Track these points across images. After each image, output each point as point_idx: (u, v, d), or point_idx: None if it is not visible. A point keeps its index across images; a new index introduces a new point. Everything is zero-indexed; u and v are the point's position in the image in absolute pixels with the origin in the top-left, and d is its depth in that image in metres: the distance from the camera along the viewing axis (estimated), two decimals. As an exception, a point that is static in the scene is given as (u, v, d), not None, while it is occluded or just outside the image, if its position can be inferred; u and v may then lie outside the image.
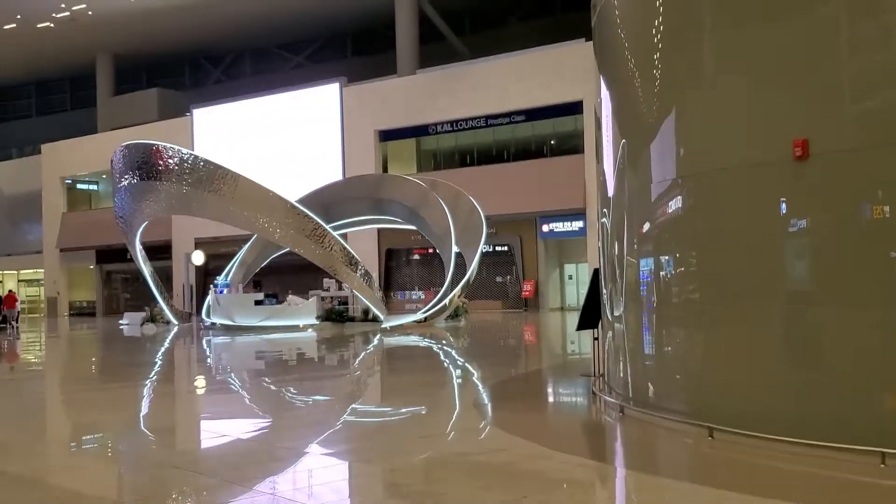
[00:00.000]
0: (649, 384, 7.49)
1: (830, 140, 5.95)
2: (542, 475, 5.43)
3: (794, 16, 6.27)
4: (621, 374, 8.01)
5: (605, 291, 8.65)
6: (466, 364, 13.93)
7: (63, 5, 44.65)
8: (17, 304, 37.21)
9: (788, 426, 5.91)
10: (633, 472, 5.65)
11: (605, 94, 8.30)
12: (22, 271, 54.58)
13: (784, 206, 6.24)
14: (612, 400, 7.83)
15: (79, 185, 50.91)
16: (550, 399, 10.10)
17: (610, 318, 8.38)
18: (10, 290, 43.45)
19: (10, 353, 20.98)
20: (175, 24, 48.18)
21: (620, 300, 7.95)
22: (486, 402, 9.10)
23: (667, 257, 7.31)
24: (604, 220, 8.47)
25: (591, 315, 9.86)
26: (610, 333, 8.49)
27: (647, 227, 7.51)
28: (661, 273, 7.31)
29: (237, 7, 45.89)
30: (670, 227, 7.24)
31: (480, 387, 10.47)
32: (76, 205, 50.84)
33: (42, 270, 51.08)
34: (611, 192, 8.09)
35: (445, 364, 14.45)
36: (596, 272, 9.61)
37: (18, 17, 46.41)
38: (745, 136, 6.55)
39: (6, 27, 47.94)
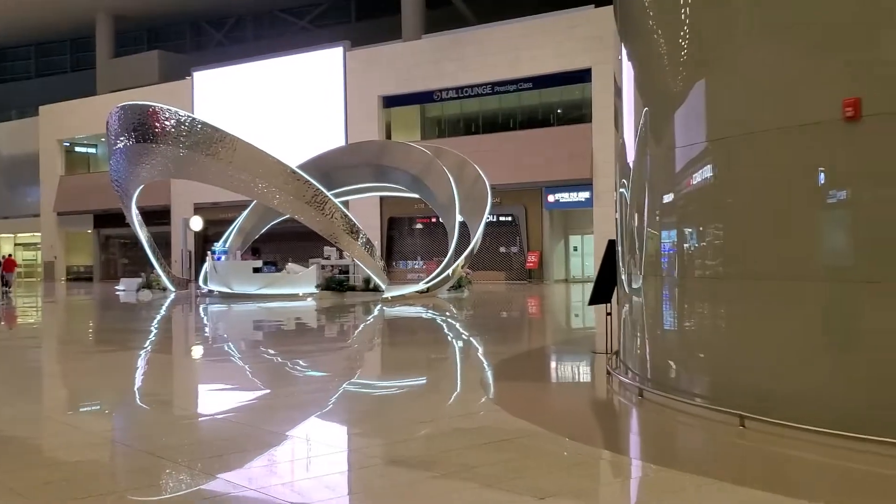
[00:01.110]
0: (671, 364, 6.91)
1: (886, 100, 5.31)
2: (552, 467, 4.87)
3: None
4: (638, 352, 7.44)
5: (621, 264, 8.06)
6: (470, 338, 13.34)
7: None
8: (15, 268, 36.86)
9: (832, 416, 5.34)
10: (654, 465, 5.06)
11: (625, 59, 7.68)
12: (19, 234, 54.02)
13: (827, 172, 5.62)
14: (629, 381, 7.25)
15: (77, 148, 50.17)
16: (561, 378, 9.51)
17: (627, 291, 7.80)
18: (8, 255, 43.05)
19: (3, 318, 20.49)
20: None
21: (639, 273, 7.37)
22: (491, 380, 8.50)
23: (691, 229, 6.73)
24: (622, 190, 7.89)
25: (604, 288, 9.30)
26: (626, 308, 7.91)
27: (670, 196, 6.93)
28: (685, 245, 6.73)
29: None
30: (696, 197, 6.63)
31: (485, 363, 9.85)
32: (74, 168, 50.16)
33: (39, 234, 50.55)
34: (631, 162, 7.50)
35: (448, 337, 13.89)
36: (611, 244, 9.01)
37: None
38: (785, 96, 5.90)
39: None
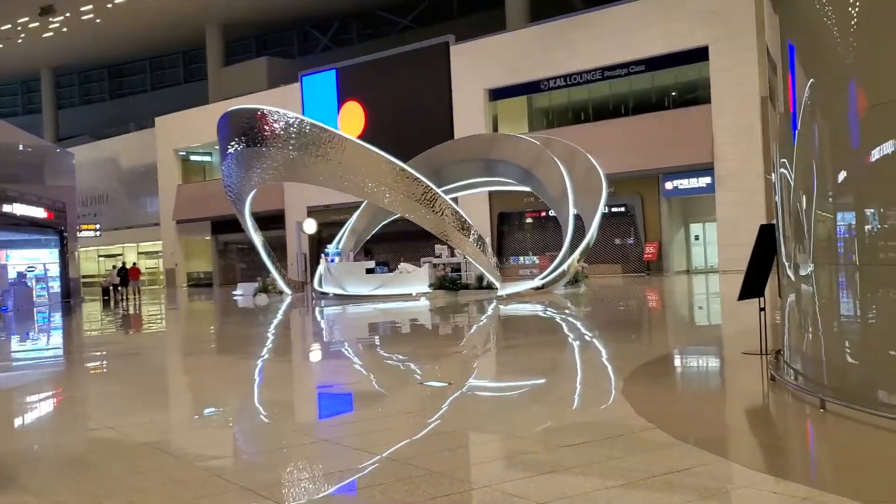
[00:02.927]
0: (857, 368, 5.88)
1: None
2: None
3: None
4: (811, 353, 6.42)
5: (784, 252, 7.04)
6: (595, 338, 12.39)
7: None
8: (139, 276, 38.23)
9: None
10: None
11: (783, 32, 6.73)
12: (141, 244, 56.05)
13: None
14: (803, 388, 6.22)
15: (192, 157, 51.59)
16: (713, 385, 8.30)
17: (793, 281, 6.78)
18: (133, 263, 44.71)
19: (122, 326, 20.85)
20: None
21: (809, 261, 6.36)
22: (633, 389, 7.49)
23: (872, 209, 5.71)
24: (783, 170, 6.90)
25: (756, 281, 8.27)
26: (791, 301, 6.89)
27: (843, 174, 5.94)
28: (866, 227, 5.72)
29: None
30: (878, 172, 5.60)
31: (619, 369, 8.81)
32: (191, 176, 51.61)
33: (160, 242, 52.23)
34: (794, 140, 6.51)
35: (571, 337, 12.98)
36: (764, 230, 7.97)
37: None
38: None
39: (118, 1, 48.68)
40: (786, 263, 7.05)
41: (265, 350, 13.23)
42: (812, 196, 6.25)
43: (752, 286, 8.32)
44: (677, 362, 9.55)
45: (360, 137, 22.21)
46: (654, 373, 8.42)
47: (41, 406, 8.54)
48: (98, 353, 14.34)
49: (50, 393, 9.42)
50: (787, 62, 6.78)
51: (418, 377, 9.02)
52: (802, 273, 6.53)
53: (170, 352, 14.40)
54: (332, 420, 7.12)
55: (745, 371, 7.99)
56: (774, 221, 7.61)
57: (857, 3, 5.74)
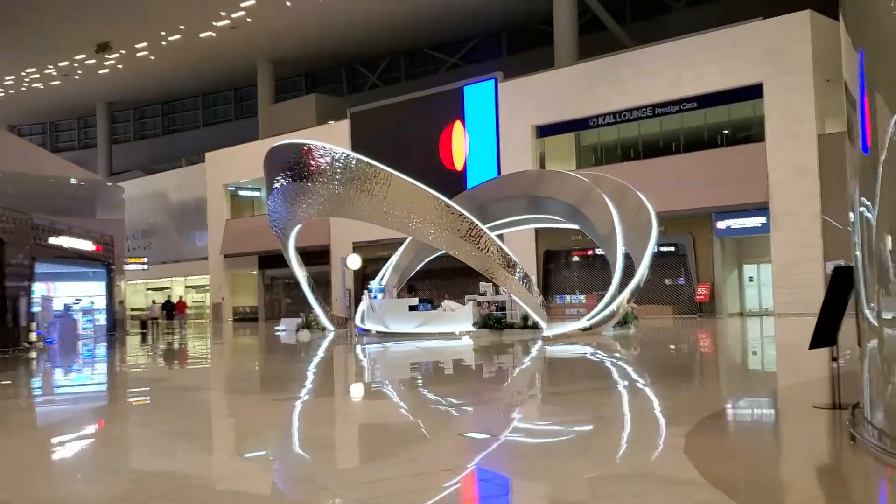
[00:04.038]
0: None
1: None
2: None
3: None
4: (895, 411, 5.73)
5: (864, 296, 6.39)
6: (648, 387, 11.64)
7: (223, 13, 45.56)
8: (186, 310, 38.36)
9: None
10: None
11: (861, 67, 6.23)
12: (189, 277, 56.45)
13: None
14: (892, 453, 5.52)
15: (241, 192, 51.99)
16: (788, 447, 7.15)
17: (876, 328, 6.13)
18: (180, 297, 44.96)
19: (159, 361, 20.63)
20: (331, 29, 48.29)
21: (895, 306, 5.73)
22: (695, 452, 6.76)
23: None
24: (861, 209, 6.31)
25: (828, 328, 7.59)
26: (872, 350, 6.23)
27: None
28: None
29: (392, 8, 45.31)
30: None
31: (677, 425, 8.07)
32: (239, 211, 51.96)
33: (207, 276, 52.52)
34: (878, 178, 5.97)
35: (622, 385, 12.23)
36: (839, 273, 7.31)
37: (182, 27, 47.86)
38: None
39: (171, 38, 49.61)
40: (865, 309, 6.39)
41: (290, 392, 12.77)
42: (898, 236, 5.66)
43: (825, 333, 7.65)
44: (740, 417, 8.83)
45: (406, 173, 21.83)
46: (716, 428, 7.73)
47: (60, 445, 8.15)
48: (125, 390, 14.03)
49: (73, 434, 9.05)
50: (866, 98, 6.28)
51: (457, 428, 8.44)
52: (887, 318, 5.87)
53: (196, 391, 14.01)
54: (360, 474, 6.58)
55: (819, 428, 7.27)
56: (851, 263, 6.97)
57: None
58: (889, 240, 5.83)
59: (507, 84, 38.05)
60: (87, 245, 31.36)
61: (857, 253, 6.51)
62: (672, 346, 20.01)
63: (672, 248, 32.76)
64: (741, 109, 32.16)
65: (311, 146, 22.15)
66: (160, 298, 45.78)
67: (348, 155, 22.05)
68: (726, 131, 33.29)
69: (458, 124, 39.34)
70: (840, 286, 7.35)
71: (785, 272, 29.54)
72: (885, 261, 5.90)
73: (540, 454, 6.88)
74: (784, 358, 15.96)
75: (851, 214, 6.72)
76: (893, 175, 5.83)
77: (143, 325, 34.10)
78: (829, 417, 7.38)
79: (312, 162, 21.84)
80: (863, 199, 6.36)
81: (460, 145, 39.22)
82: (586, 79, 35.20)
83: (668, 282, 33.33)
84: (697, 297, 32.10)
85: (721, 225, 31.58)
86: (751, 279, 33.23)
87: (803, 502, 5.12)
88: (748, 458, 6.46)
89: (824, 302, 7.45)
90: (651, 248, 23.03)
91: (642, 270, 22.79)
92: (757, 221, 30.61)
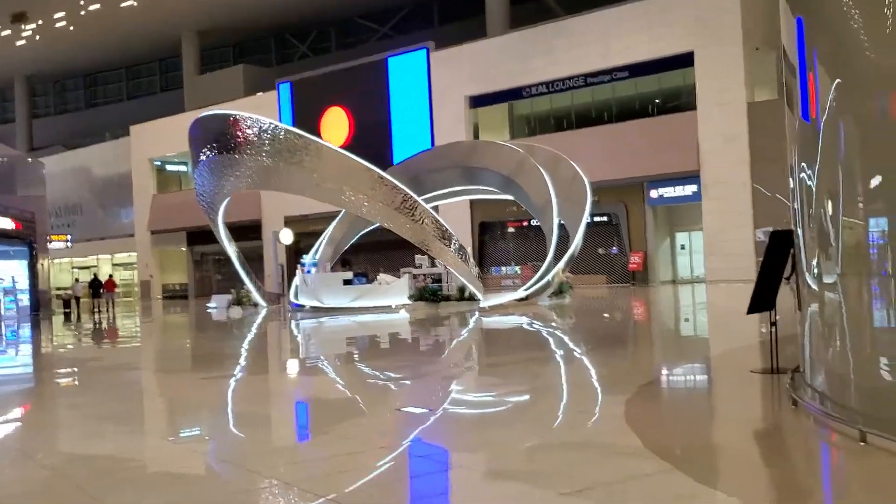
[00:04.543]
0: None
1: None
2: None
3: None
4: (839, 373, 5.69)
5: (804, 261, 6.34)
6: (586, 356, 11.58)
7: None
8: (115, 289, 37.20)
9: None
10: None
11: (800, 34, 6.16)
12: (116, 255, 54.81)
13: None
14: (833, 416, 5.46)
15: (168, 167, 50.57)
16: (731, 413, 6.85)
17: (816, 293, 6.10)
18: (109, 275, 43.61)
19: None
20: (259, -1, 47.06)
21: (837, 271, 5.68)
22: (636, 420, 6.36)
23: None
24: (803, 175, 6.26)
25: (766, 293, 7.55)
26: (811, 315, 6.20)
27: (878, 179, 5.30)
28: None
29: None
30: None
31: (617, 393, 7.93)
32: (166, 186, 50.55)
33: (135, 253, 51.06)
34: (819, 144, 5.92)
35: (559, 354, 12.18)
36: (777, 237, 7.26)
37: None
38: None
39: (91, 7, 47.70)
40: (806, 273, 6.34)
41: (222, 370, 12.35)
42: (839, 202, 5.60)
43: (763, 298, 7.61)
44: (680, 383, 8.79)
45: (344, 146, 21.39)
46: (655, 395, 7.65)
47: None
48: (51, 372, 13.40)
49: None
50: (810, 63, 6.20)
51: (394, 402, 8.20)
52: (828, 282, 5.82)
53: (123, 370, 13.46)
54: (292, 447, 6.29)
55: (758, 393, 7.22)
56: (789, 228, 6.93)
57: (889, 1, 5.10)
58: (830, 205, 5.77)
59: (438, 54, 37.62)
60: (5, 222, 30.09)
61: (797, 218, 6.46)
62: (606, 315, 20.12)
63: (605, 218, 32.97)
64: (672, 78, 32.42)
65: (238, 117, 21.46)
66: (87, 277, 44.30)
67: (276, 126, 21.43)
68: (658, 100, 33.55)
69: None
70: (777, 251, 7.30)
71: (715, 240, 30.02)
72: (825, 226, 5.84)
73: (479, 426, 6.68)
74: (717, 324, 16.15)
75: (791, 181, 6.66)
76: (834, 140, 5.77)
77: (66, 304, 32.84)
78: (768, 382, 7.35)
79: (239, 133, 21.15)
80: (803, 164, 6.30)
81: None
82: (519, 48, 35.01)
83: (601, 251, 33.59)
84: (630, 265, 32.45)
85: (653, 194, 31.90)
86: (682, 247, 33.73)
87: (750, 467, 5.02)
88: (691, 426, 6.37)
89: (762, 267, 7.40)
90: (585, 218, 23.09)
91: (577, 240, 22.85)
92: (688, 190, 31.00)
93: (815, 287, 6.10)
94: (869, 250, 5.44)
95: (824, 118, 5.84)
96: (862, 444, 4.93)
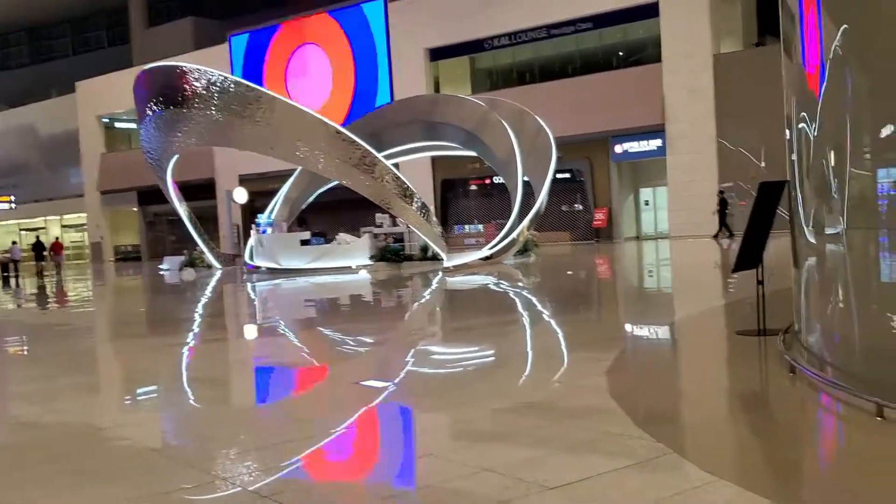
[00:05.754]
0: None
1: None
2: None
3: None
4: (842, 337, 5.13)
5: (802, 214, 5.76)
6: (556, 318, 10.94)
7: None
8: (63, 251, 35.92)
9: None
10: None
11: None
12: (65, 216, 53.03)
13: None
14: (840, 385, 4.88)
15: (117, 124, 48.79)
16: (720, 378, 6.26)
17: (815, 247, 5.53)
18: (56, 238, 42.08)
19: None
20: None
21: (841, 225, 5.09)
22: (619, 385, 5.92)
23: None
24: (802, 125, 5.66)
25: (753, 250, 6.96)
26: (809, 271, 5.64)
27: (889, 129, 4.70)
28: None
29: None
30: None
31: (593, 357, 7.32)
32: (115, 144, 48.84)
33: (84, 215, 49.43)
34: (820, 93, 5.32)
35: (526, 316, 11.55)
36: (767, 190, 6.64)
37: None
38: None
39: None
40: (803, 227, 5.76)
41: (173, 337, 11.55)
42: (844, 153, 5.00)
43: (749, 256, 7.02)
44: (660, 346, 8.21)
45: (293, 100, 20.39)
46: (637, 359, 7.05)
47: None
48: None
49: None
50: (808, 10, 5.58)
51: (351, 375, 7.51)
52: (831, 233, 5.26)
53: (71, 337, 12.58)
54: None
55: (750, 357, 6.61)
56: (785, 179, 6.34)
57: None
58: (832, 155, 5.18)
59: (397, 4, 36.37)
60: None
61: (795, 170, 5.86)
62: (576, 274, 19.59)
63: (569, 175, 32.35)
64: (636, 30, 31.71)
65: (185, 69, 20.36)
66: (33, 239, 42.73)
67: (226, 78, 20.36)
68: (622, 53, 32.85)
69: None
70: (766, 204, 6.69)
71: (680, 195, 29.61)
72: (827, 178, 5.25)
73: (446, 388, 6.02)
74: (690, 281, 15.67)
75: (787, 131, 6.07)
76: (837, 89, 5.16)
77: (5, 268, 31.46)
78: (757, 344, 6.78)
79: (187, 86, 20.07)
80: (802, 114, 5.71)
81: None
82: (480, -2, 33.95)
83: (565, 208, 33.06)
84: (595, 222, 31.99)
85: (618, 149, 31.33)
86: (646, 203, 33.32)
87: (753, 441, 4.42)
88: (687, 399, 5.76)
89: (750, 222, 6.78)
90: (551, 173, 22.44)
91: (542, 197, 22.23)
92: (653, 145, 30.48)
93: (813, 240, 5.52)
94: (878, 202, 4.89)
95: (826, 66, 5.25)
96: (879, 419, 4.34)
